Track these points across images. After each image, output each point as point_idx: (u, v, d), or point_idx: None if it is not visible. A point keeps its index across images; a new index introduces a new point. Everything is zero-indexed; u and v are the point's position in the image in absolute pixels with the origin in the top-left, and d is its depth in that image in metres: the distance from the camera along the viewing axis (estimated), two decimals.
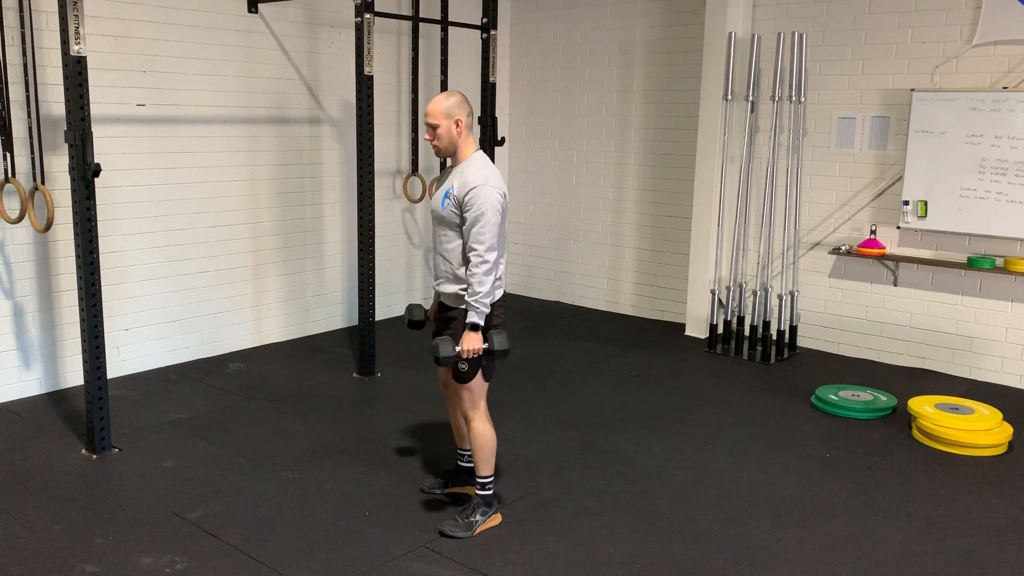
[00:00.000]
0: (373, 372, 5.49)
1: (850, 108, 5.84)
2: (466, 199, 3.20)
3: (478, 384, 3.38)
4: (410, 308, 3.65)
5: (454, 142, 3.31)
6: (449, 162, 3.43)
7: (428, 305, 3.75)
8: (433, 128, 3.29)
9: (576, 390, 5.28)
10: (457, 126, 3.28)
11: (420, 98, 6.58)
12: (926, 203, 5.49)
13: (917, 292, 5.72)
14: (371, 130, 5.16)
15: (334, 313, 6.55)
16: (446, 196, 3.29)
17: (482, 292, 3.20)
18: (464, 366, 3.30)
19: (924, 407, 4.59)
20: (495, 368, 3.44)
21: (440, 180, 3.45)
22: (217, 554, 3.29)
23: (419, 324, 3.65)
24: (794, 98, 5.79)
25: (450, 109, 3.27)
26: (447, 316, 3.42)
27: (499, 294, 3.40)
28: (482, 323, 3.23)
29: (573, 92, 7.29)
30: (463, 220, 3.24)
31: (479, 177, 3.21)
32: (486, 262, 3.19)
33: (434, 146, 3.34)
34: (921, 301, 5.71)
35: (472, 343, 3.23)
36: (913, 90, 5.46)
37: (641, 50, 6.83)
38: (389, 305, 6.83)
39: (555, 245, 7.61)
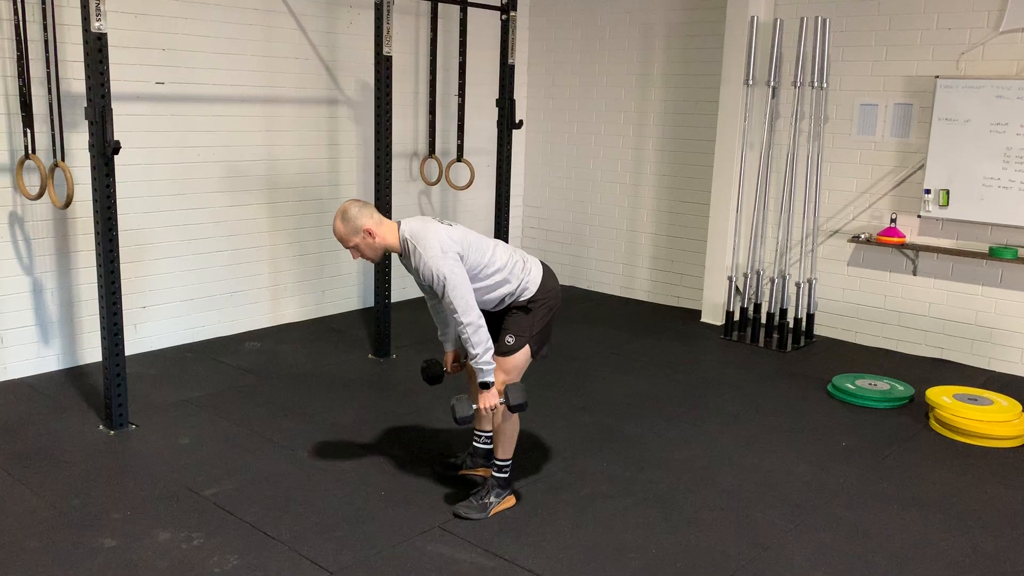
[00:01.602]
0: (388, 354, 5.50)
1: (873, 95, 5.77)
2: (426, 275, 3.28)
3: (517, 371, 3.43)
4: (428, 363, 3.67)
5: (377, 248, 3.35)
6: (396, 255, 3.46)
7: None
8: (354, 248, 3.34)
9: (591, 376, 5.27)
10: (370, 235, 3.31)
11: (438, 80, 6.55)
12: (948, 192, 5.43)
13: (937, 282, 5.67)
14: (389, 111, 5.14)
15: (350, 294, 6.56)
16: (421, 280, 3.36)
17: (479, 352, 3.25)
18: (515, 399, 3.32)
19: (942, 397, 4.56)
20: (542, 346, 3.53)
21: (408, 268, 3.47)
22: (233, 531, 3.31)
23: (438, 378, 3.68)
24: (816, 84, 5.73)
25: (354, 226, 3.30)
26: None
27: (534, 289, 3.45)
28: (492, 379, 3.29)
29: (592, 75, 7.24)
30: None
31: (420, 253, 3.27)
32: (469, 324, 3.23)
33: (367, 260, 3.40)
34: (941, 291, 5.66)
35: (488, 400, 3.30)
36: (938, 77, 5.38)
37: (661, 33, 6.77)
38: (404, 288, 6.83)
39: (571, 230, 7.58)
